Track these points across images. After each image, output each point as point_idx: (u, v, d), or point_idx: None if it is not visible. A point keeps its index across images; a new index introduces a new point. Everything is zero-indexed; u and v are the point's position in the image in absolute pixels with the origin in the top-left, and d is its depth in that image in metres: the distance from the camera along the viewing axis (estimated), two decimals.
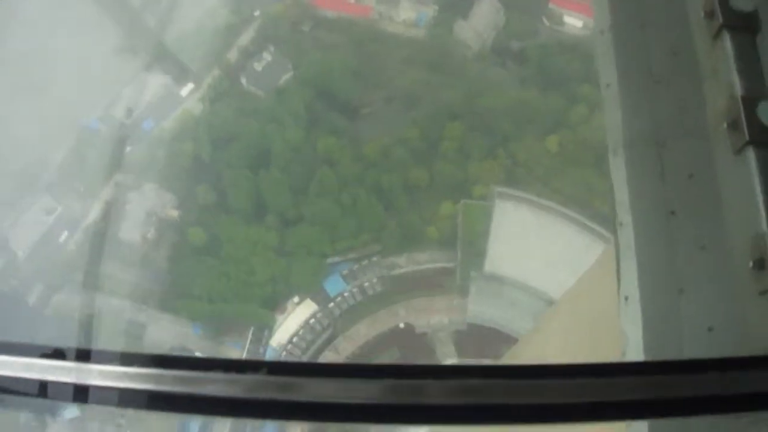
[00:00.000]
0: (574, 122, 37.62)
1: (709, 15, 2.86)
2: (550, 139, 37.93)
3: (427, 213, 38.40)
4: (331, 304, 37.88)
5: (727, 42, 2.76)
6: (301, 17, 42.82)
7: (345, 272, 38.13)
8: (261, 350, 36.86)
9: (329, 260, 38.14)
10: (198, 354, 36.72)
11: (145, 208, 36.90)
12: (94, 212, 37.61)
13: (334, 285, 38.00)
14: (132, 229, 36.97)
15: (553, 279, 32.77)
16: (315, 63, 40.59)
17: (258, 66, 40.80)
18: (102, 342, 35.59)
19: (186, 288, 36.72)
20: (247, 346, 36.76)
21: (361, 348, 37.48)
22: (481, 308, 36.72)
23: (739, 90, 2.70)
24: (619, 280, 3.22)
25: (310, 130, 38.80)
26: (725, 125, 2.75)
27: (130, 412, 34.89)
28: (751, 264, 2.58)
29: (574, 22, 41.84)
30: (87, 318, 35.42)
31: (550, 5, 42.58)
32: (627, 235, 3.24)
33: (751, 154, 2.66)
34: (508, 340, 34.60)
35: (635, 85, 3.38)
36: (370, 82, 40.60)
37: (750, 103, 2.68)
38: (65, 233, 37.37)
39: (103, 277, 36.15)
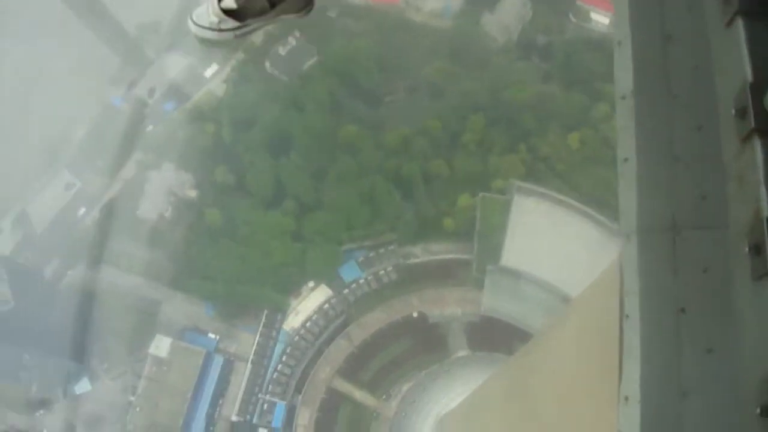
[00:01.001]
0: (597, 120, 37.49)
1: (741, 114, 2.58)
2: (571, 136, 37.80)
3: (445, 204, 38.34)
4: (346, 291, 38.00)
5: (757, 149, 2.48)
6: (328, 3, 42.74)
7: (361, 259, 38.18)
8: (274, 334, 37.01)
9: (345, 247, 38.14)
10: (211, 335, 37.06)
11: (164, 187, 37.02)
12: (113, 189, 37.79)
13: (350, 271, 38.07)
14: (150, 208, 37.11)
15: (569, 275, 32.71)
16: (340, 50, 40.49)
17: (282, 50, 40.71)
18: (114, 317, 35.88)
19: (201, 268, 36.90)
20: (260, 329, 36.90)
21: (373, 335, 37.57)
22: (495, 301, 36.70)
23: (766, 210, 2.41)
24: (620, 378, 3.12)
25: (331, 117, 38.75)
26: (747, 248, 2.47)
27: (140, 389, 35.36)
28: (758, 410, 2.36)
29: (600, 20, 41.66)
30: (101, 293, 35.68)
31: (578, 2, 42.38)
32: (632, 330, 3.09)
33: None
34: (520, 334, 34.56)
35: (654, 162, 3.21)
36: (394, 71, 40.49)
37: None
38: (83, 209, 37.58)
39: (118, 254, 36.37)
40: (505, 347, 34.61)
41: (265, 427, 36.17)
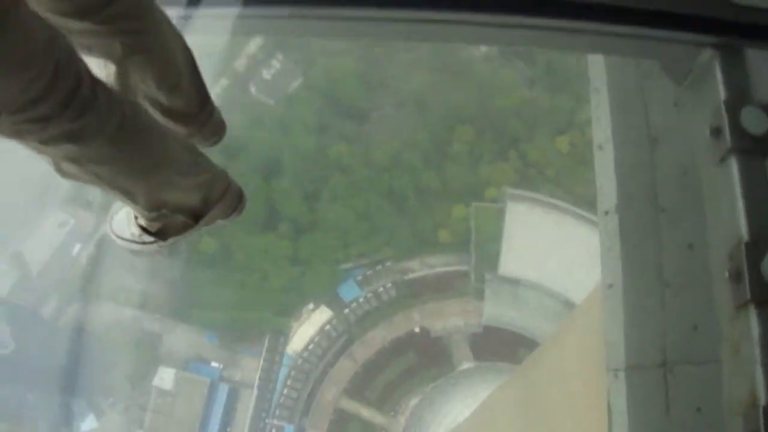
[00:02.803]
0: (583, 122, 37.42)
1: (735, 278, 2.35)
2: (560, 140, 37.86)
3: (439, 216, 38.32)
4: (346, 310, 37.85)
5: (754, 323, 2.24)
6: None
7: (359, 278, 38.08)
8: (277, 358, 36.92)
9: (343, 266, 38.10)
10: (214, 364, 36.95)
11: None
12: (106, 224, 37.67)
13: (349, 291, 37.96)
14: None
15: (569, 279, 32.75)
16: (323, 70, 40.48)
17: (267, 74, 40.63)
18: (116, 352, 35.75)
19: (199, 297, 36.74)
20: (263, 354, 36.76)
21: (377, 353, 37.48)
22: (496, 310, 36.66)
23: (763, 398, 2.19)
24: None
25: (320, 137, 38.72)
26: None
27: (147, 422, 35.23)
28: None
29: None
30: (101, 329, 35.55)
31: None
32: None
33: None
34: (525, 342, 34.54)
35: (642, 288, 3.00)
36: (378, 87, 40.50)
37: None
38: (78, 246, 37.40)
39: (116, 289, 36.20)
40: (510, 356, 34.52)
41: None
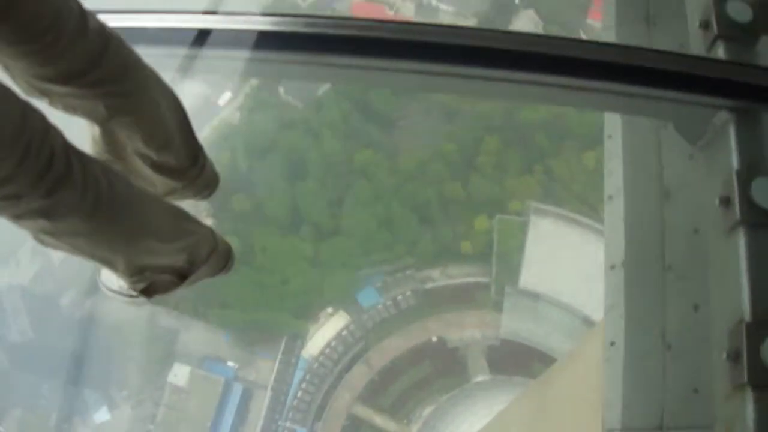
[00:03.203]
0: None
1: (734, 358, 2.23)
2: (587, 156, 37.60)
3: (462, 227, 38.23)
4: (365, 316, 37.83)
5: (749, 407, 2.14)
6: None
7: (379, 284, 38.03)
8: (293, 361, 36.98)
9: (363, 272, 38.08)
10: (230, 363, 37.05)
11: None
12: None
13: (368, 297, 37.95)
14: None
15: (589, 296, 32.49)
16: None
17: None
18: (133, 346, 35.90)
19: (219, 296, 36.80)
20: (279, 356, 36.83)
21: (393, 361, 37.43)
22: (515, 324, 36.51)
23: None
24: None
25: (346, 142, 38.75)
26: None
27: (160, 417, 35.37)
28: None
29: (611, 37, 41.41)
30: (118, 322, 35.71)
31: (589, 20, 42.21)
32: None
33: None
34: (541, 357, 34.40)
35: (644, 349, 2.91)
36: (406, 94, 40.47)
37: None
38: None
39: None
40: (526, 370, 34.41)
41: None
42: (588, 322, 32.35)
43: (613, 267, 3.15)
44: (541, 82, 2.62)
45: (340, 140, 38.74)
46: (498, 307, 36.90)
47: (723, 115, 2.61)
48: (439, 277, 38.24)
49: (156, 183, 2.27)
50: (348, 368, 37.47)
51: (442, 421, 35.88)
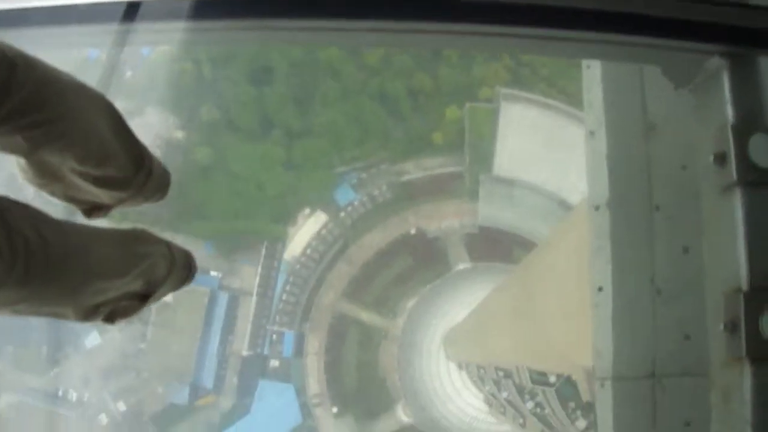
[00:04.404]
0: None
1: (731, 328, 2.15)
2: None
3: (433, 118, 37.99)
4: (342, 214, 37.92)
5: (747, 379, 2.09)
6: None
7: (354, 181, 38.05)
8: (276, 264, 37.15)
9: (337, 170, 37.98)
10: (213, 273, 37.16)
11: (150, 132, 36.48)
12: None
13: (344, 195, 37.99)
14: None
15: (563, 179, 32.68)
16: None
17: None
18: None
19: (196, 208, 36.68)
20: (261, 261, 36.98)
21: (373, 256, 37.68)
22: (491, 211, 36.63)
23: None
24: None
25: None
26: None
27: (150, 336, 35.64)
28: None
29: None
30: None
31: None
32: None
33: None
34: (520, 241, 34.70)
35: (633, 294, 2.81)
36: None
37: None
38: None
39: None
40: (506, 256, 34.85)
41: (276, 358, 36.59)
42: (564, 205, 32.55)
43: (597, 208, 3.05)
44: (520, 34, 2.43)
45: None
46: (474, 195, 36.94)
47: (715, 61, 2.41)
48: (414, 170, 38.16)
49: (102, 197, 2.07)
50: (330, 267, 37.73)
51: (426, 312, 36.43)
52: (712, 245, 2.35)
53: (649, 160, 2.96)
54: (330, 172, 37.86)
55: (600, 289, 2.93)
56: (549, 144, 35.14)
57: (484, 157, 36.66)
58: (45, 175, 1.92)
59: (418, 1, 2.34)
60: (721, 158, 2.25)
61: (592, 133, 3.15)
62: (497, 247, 35.94)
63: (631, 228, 2.93)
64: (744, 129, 2.24)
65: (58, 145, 1.77)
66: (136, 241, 1.97)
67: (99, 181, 1.98)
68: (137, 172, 2.05)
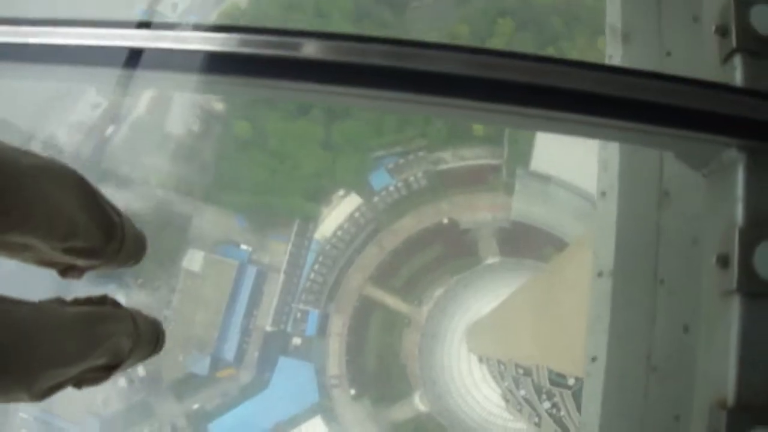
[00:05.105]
0: None
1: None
2: (600, 40, 36.58)
3: None
4: (376, 198, 37.92)
5: None
6: None
7: (390, 166, 38.01)
8: (306, 243, 37.27)
9: (375, 154, 37.94)
10: (243, 246, 37.35)
11: (191, 101, 36.61)
12: (140, 107, 37.39)
13: (380, 179, 37.96)
14: (177, 123, 36.77)
15: None
16: None
17: None
18: (147, 233, 36.07)
19: (231, 181, 36.87)
20: (292, 239, 37.12)
21: (404, 242, 37.66)
22: (525, 206, 36.50)
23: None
24: None
25: (357, 24, 37.84)
26: None
27: (175, 303, 35.91)
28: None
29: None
30: (132, 210, 35.82)
31: None
32: None
33: None
34: (551, 239, 34.61)
35: (627, 368, 2.70)
36: None
37: None
38: (111, 128, 37.30)
39: (148, 170, 36.29)
40: (536, 253, 34.68)
41: (299, 336, 36.80)
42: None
43: (600, 274, 2.94)
44: (532, 114, 2.26)
45: (350, 22, 37.84)
46: (509, 189, 36.84)
47: (732, 153, 2.17)
48: (451, 159, 38.04)
49: (73, 262, 1.97)
50: (360, 250, 37.78)
51: (452, 303, 36.42)
52: (705, 346, 2.21)
53: (658, 230, 2.84)
54: (367, 156, 37.83)
55: (594, 359, 2.83)
56: (587, 143, 34.69)
57: (522, 152, 36.50)
58: (13, 249, 1.82)
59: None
60: (723, 260, 2.08)
61: (603, 194, 3.03)
62: (529, 243, 35.75)
63: (632, 300, 2.82)
64: (752, 235, 2.02)
65: (20, 231, 1.66)
66: (99, 321, 1.87)
67: (68, 251, 1.89)
68: (108, 243, 1.95)
